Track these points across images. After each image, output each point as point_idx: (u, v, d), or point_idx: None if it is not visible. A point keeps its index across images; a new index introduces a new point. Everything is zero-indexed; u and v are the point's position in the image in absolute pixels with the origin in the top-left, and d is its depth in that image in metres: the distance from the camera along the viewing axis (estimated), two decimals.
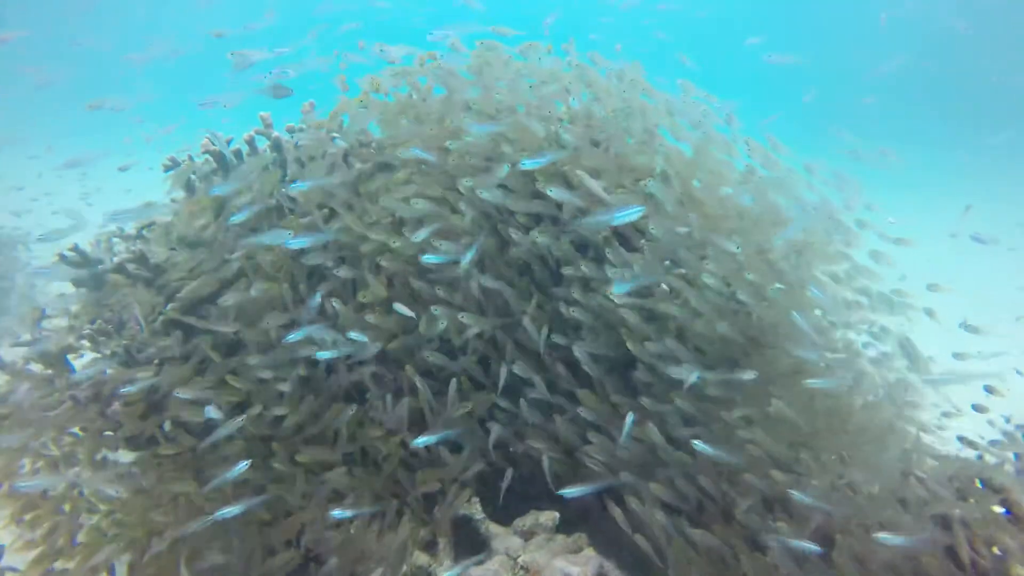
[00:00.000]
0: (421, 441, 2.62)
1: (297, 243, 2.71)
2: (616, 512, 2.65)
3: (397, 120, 3.26)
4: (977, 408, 4.13)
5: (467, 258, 2.74)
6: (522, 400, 2.86)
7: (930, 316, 3.34)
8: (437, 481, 2.78)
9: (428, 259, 2.75)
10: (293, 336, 2.59)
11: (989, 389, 4.39)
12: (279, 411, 2.71)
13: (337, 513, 2.47)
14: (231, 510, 2.26)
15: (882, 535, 2.19)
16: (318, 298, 2.78)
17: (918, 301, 3.37)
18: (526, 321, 2.82)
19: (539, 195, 2.93)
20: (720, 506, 2.64)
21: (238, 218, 2.81)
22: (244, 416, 2.55)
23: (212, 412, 2.51)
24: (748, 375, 2.60)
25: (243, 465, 2.35)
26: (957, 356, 4.58)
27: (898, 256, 3.72)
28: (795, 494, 2.35)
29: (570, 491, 2.55)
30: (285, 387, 2.71)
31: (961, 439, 3.29)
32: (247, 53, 3.69)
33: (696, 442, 2.51)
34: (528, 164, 2.77)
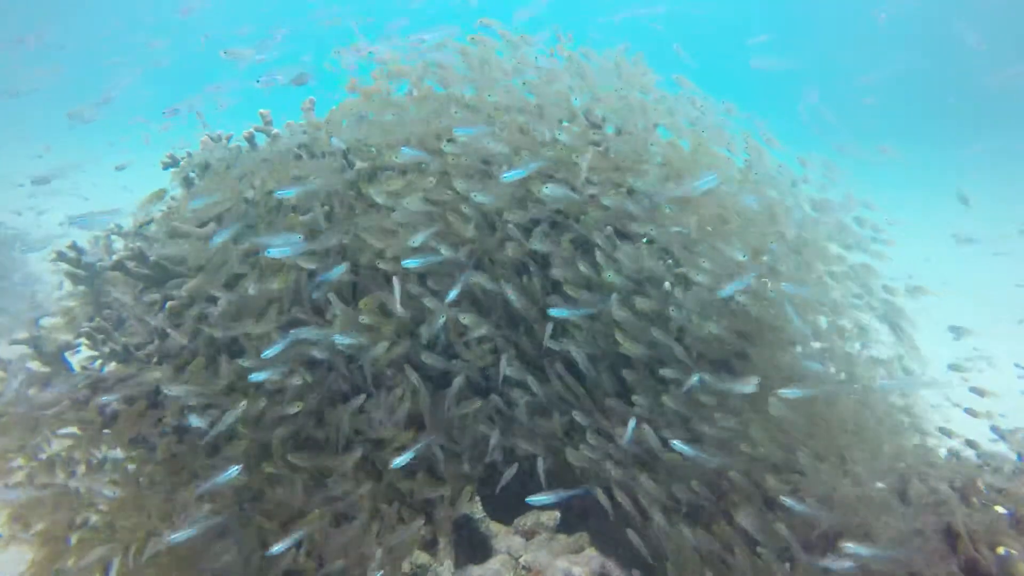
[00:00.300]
0: (399, 462, 2.52)
1: (280, 252, 2.60)
2: (603, 499, 2.64)
3: (392, 120, 3.22)
4: (969, 412, 4.13)
5: (452, 294, 2.72)
6: (520, 401, 2.85)
7: (912, 296, 3.34)
8: (438, 485, 2.76)
9: (408, 264, 2.68)
10: (271, 350, 2.50)
11: (977, 391, 4.39)
12: (288, 409, 2.67)
13: (276, 548, 2.34)
14: (182, 534, 2.22)
15: (848, 545, 2.16)
16: (340, 270, 2.71)
17: (911, 301, 3.37)
18: (516, 300, 2.81)
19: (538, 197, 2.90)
20: (720, 506, 2.63)
21: (220, 238, 2.70)
22: (242, 406, 2.51)
23: (196, 420, 2.47)
24: (751, 381, 2.58)
25: (234, 470, 2.31)
26: (953, 366, 4.58)
27: (897, 256, 3.72)
28: (787, 501, 2.34)
29: (538, 499, 2.53)
30: (297, 380, 2.68)
31: (943, 430, 3.28)
32: (241, 51, 3.68)
33: (675, 442, 2.50)
34: (510, 175, 2.71)
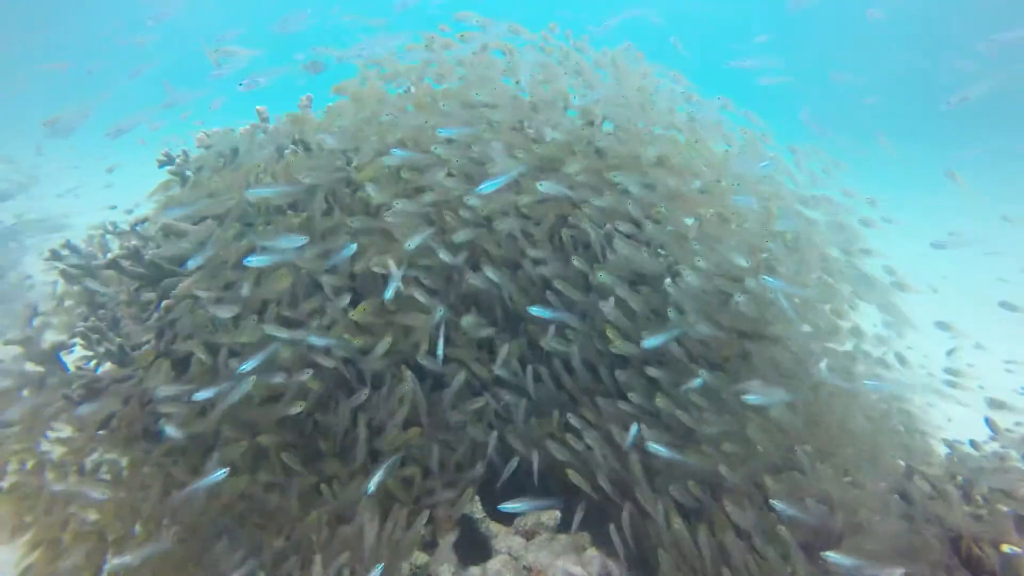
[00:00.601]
0: (371, 487, 2.44)
1: (259, 261, 2.53)
2: (578, 481, 2.61)
3: (389, 121, 3.17)
4: (946, 385, 4.12)
5: (438, 316, 2.72)
6: (521, 402, 2.83)
7: (901, 288, 3.32)
8: (437, 487, 2.75)
9: (389, 295, 2.60)
10: (246, 365, 2.43)
11: (951, 382, 4.35)
12: (290, 410, 2.65)
13: None
14: (125, 560, 2.21)
15: (830, 554, 2.15)
16: (351, 249, 2.66)
17: (908, 298, 3.35)
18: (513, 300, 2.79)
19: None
20: (720, 506, 2.60)
21: (194, 263, 2.63)
22: (220, 409, 2.48)
23: (170, 431, 2.42)
24: (753, 387, 2.55)
25: (220, 473, 2.28)
26: (949, 370, 4.55)
27: (896, 254, 3.70)
28: (777, 504, 2.33)
29: (510, 506, 2.51)
30: (304, 376, 2.64)
31: (935, 428, 3.27)
32: (233, 50, 3.63)
33: (651, 444, 2.48)
34: (484, 189, 2.66)
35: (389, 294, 2.57)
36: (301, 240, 2.60)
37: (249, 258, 2.53)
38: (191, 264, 2.62)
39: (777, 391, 2.48)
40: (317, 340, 2.60)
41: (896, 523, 2.31)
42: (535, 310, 2.70)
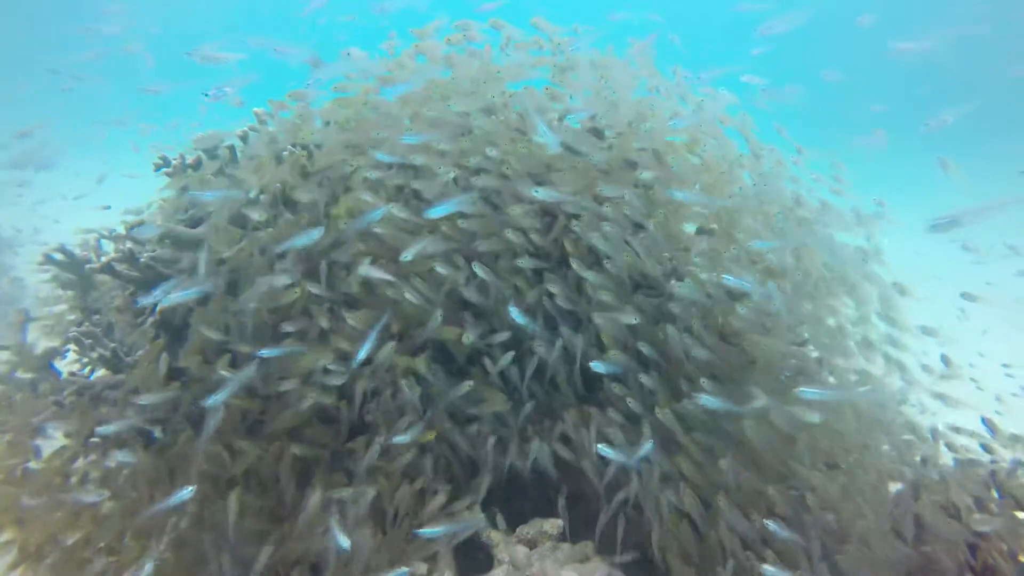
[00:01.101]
0: (341, 542, 2.34)
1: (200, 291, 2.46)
2: (547, 462, 2.59)
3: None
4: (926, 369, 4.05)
5: (434, 320, 2.68)
6: (525, 407, 2.79)
7: (901, 292, 3.29)
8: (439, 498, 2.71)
9: (362, 353, 2.48)
10: (216, 397, 2.33)
11: (945, 361, 4.28)
12: (301, 406, 2.60)
13: None
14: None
15: (767, 567, 2.17)
16: (379, 212, 2.62)
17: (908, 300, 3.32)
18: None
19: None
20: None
21: (160, 293, 2.50)
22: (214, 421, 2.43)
23: (122, 456, 2.34)
24: (758, 401, 2.51)
25: (187, 491, 2.22)
26: (946, 376, 4.52)
27: (892, 252, 3.67)
28: (770, 524, 2.30)
29: (427, 531, 2.45)
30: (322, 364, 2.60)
31: (943, 432, 3.23)
32: (219, 55, 3.57)
33: (604, 448, 2.45)
34: (435, 212, 2.60)
35: (362, 354, 2.46)
36: (316, 234, 2.54)
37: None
38: (163, 297, 2.53)
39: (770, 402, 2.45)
40: (267, 352, 2.53)
41: (903, 536, 2.27)
42: (515, 313, 2.65)
